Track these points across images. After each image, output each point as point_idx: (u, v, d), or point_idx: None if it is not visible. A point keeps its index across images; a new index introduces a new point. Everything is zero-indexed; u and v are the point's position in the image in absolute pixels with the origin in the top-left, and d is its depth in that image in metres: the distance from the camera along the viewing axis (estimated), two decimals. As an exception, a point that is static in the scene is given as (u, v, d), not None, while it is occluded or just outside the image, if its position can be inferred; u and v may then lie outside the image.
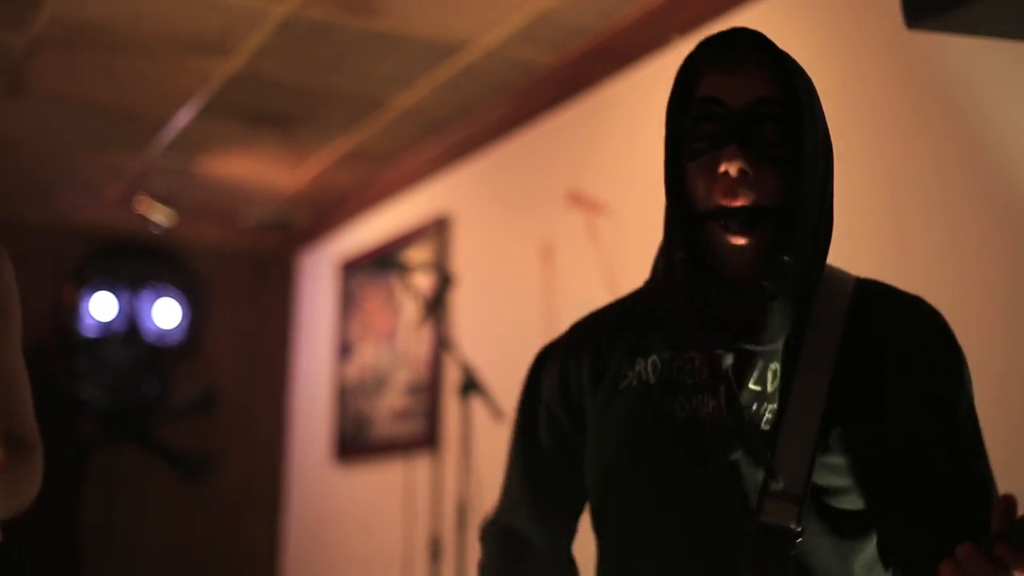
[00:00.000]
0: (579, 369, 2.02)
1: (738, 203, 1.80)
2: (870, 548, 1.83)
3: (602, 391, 1.96)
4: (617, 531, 1.93)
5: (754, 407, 1.83)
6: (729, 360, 1.84)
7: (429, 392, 5.93)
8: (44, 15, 4.82)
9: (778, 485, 1.77)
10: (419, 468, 5.83)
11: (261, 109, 5.77)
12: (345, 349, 6.97)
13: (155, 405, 7.48)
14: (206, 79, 5.41)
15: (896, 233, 3.57)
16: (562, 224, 5.04)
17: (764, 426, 1.81)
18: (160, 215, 6.84)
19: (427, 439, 5.84)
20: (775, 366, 1.84)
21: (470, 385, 4.60)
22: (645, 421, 1.89)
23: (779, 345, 1.84)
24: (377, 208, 6.82)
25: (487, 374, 4.88)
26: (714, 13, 4.27)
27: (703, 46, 1.89)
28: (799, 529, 1.76)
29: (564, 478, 2.04)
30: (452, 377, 5.65)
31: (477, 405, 4.77)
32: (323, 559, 7.08)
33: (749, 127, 1.82)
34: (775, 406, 1.82)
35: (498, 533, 2.11)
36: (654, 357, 1.92)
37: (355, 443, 6.73)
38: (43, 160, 6.67)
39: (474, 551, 4.80)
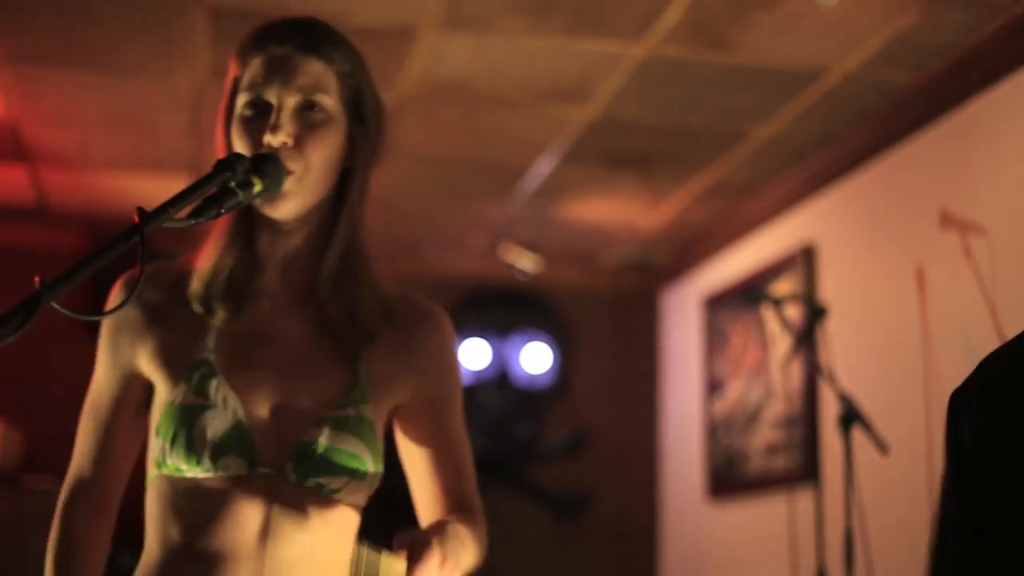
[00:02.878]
0: (1014, 413, 1.83)
1: None
2: None
3: None
4: None
5: None
6: None
7: (805, 425, 5.83)
8: (410, 77, 5.00)
9: None
10: (798, 502, 5.75)
11: (620, 151, 5.82)
12: (713, 384, 6.94)
13: (529, 448, 7.61)
14: (565, 126, 5.51)
15: None
16: (935, 247, 4.90)
17: None
18: (526, 261, 6.98)
19: (805, 473, 5.74)
20: None
21: (851, 416, 4.50)
22: None
23: None
24: (739, 242, 6.78)
25: (865, 404, 4.78)
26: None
27: None
28: None
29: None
30: (828, 409, 5.56)
31: (858, 437, 4.67)
32: (703, 596, 7.06)
33: None
34: None
35: None
36: None
37: (728, 479, 6.69)
38: (410, 215, 6.89)
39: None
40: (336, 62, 2.11)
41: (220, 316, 2.09)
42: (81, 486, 2.18)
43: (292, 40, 2.08)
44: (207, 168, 1.80)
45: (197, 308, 2.09)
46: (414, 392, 2.20)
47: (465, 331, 7.53)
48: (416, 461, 2.24)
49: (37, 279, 1.43)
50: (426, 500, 2.24)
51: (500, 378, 7.54)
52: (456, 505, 2.22)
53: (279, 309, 2.14)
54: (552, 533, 7.63)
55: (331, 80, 2.09)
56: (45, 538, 2.14)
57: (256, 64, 2.08)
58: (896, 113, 5.17)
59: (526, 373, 7.61)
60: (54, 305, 1.45)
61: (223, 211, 1.77)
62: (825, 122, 5.37)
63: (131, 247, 1.55)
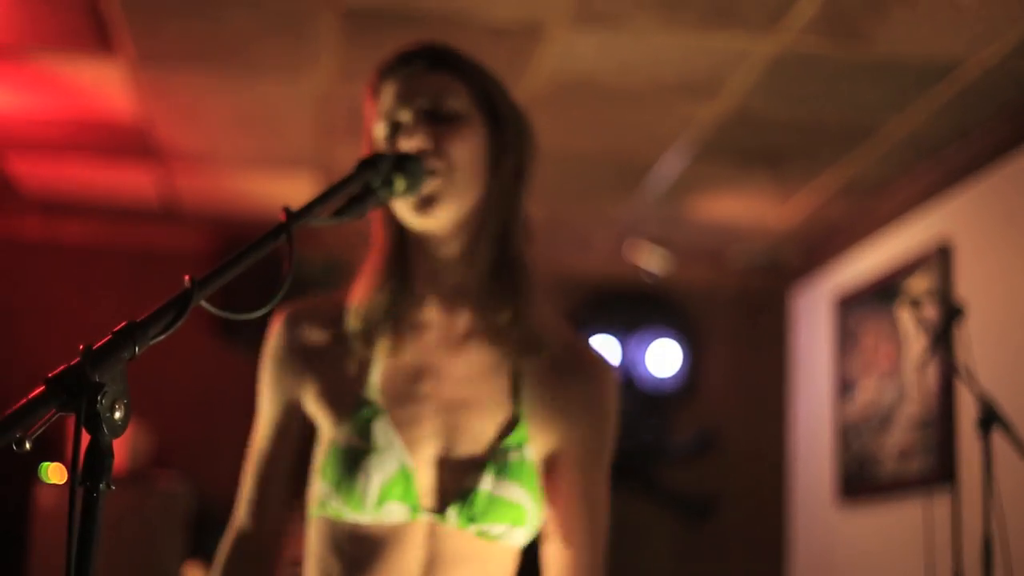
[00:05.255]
0: None
1: None
2: None
3: None
4: None
5: None
6: None
7: (940, 427, 5.71)
8: (539, 74, 4.97)
9: None
10: (933, 506, 5.63)
11: (750, 148, 5.75)
12: (845, 386, 6.82)
13: (656, 450, 7.55)
14: (695, 122, 5.44)
15: None
16: (1078, 244, 4.77)
17: None
18: (653, 260, 6.91)
19: (940, 476, 5.62)
20: None
21: (991, 418, 4.38)
22: None
23: None
24: (872, 240, 6.66)
25: (1004, 405, 4.65)
26: None
27: None
28: None
29: None
30: (964, 410, 5.43)
31: (997, 439, 4.55)
32: (834, 601, 6.95)
33: None
34: None
35: None
36: None
37: (859, 482, 6.57)
38: (537, 213, 6.85)
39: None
40: (462, 71, 2.10)
41: (383, 352, 2.07)
42: (240, 538, 2.17)
43: (417, 60, 2.09)
44: (334, 168, 1.79)
45: (359, 346, 2.07)
46: (566, 440, 2.15)
47: (592, 331, 7.48)
48: (551, 519, 2.18)
49: (187, 277, 1.42)
50: (553, 560, 2.18)
51: (627, 379, 7.48)
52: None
53: (443, 341, 2.11)
54: (680, 536, 7.57)
55: (459, 86, 2.08)
56: (172, 532, 2.15)
57: (387, 92, 2.09)
58: (1037, 107, 5.05)
59: (653, 374, 7.55)
60: (203, 304, 1.44)
61: (367, 210, 1.77)
62: (962, 116, 5.25)
63: (278, 246, 1.54)
